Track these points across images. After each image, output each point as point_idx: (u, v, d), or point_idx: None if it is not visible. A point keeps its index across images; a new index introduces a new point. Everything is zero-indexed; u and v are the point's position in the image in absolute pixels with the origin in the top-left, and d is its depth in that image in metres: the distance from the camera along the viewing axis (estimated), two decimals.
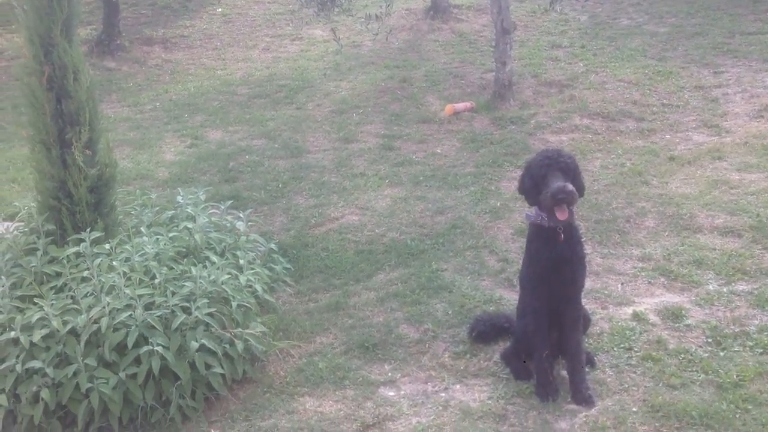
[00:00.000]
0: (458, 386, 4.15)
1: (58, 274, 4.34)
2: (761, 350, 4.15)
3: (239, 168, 7.57)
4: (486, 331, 4.47)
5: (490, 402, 3.96)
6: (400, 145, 7.96)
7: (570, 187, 3.73)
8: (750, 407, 3.72)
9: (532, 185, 3.89)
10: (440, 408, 3.97)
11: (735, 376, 3.93)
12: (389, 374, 4.33)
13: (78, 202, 4.52)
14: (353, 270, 5.56)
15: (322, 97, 9.80)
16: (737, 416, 3.67)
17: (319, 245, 5.93)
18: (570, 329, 3.95)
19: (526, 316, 4.04)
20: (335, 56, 11.51)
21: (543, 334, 3.96)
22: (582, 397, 3.86)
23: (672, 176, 6.66)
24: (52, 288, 4.25)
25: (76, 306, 4.04)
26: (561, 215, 3.75)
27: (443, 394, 4.09)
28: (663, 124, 7.93)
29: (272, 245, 5.35)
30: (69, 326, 3.92)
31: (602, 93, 8.74)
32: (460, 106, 8.71)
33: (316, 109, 9.38)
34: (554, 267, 3.89)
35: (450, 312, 4.86)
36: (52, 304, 4.01)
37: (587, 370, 4.01)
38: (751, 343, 4.23)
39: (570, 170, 3.84)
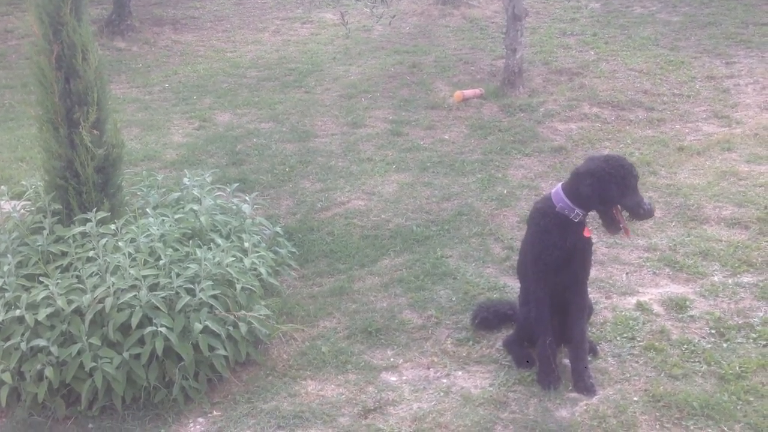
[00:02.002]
0: (460, 373, 4.16)
1: (64, 254, 4.36)
2: (764, 342, 4.15)
3: (246, 151, 7.56)
4: (489, 318, 4.48)
5: (491, 389, 3.97)
6: (408, 131, 7.94)
7: None
8: (751, 399, 3.72)
9: (603, 191, 3.79)
10: (441, 394, 3.98)
11: (737, 368, 3.93)
12: (391, 359, 4.34)
13: (85, 182, 4.52)
14: (358, 255, 5.56)
15: (331, 81, 9.78)
16: (738, 407, 3.67)
17: (324, 230, 5.94)
18: (575, 318, 3.95)
19: (529, 303, 4.05)
20: (345, 40, 11.47)
21: (545, 321, 3.96)
22: (584, 386, 3.86)
23: (680, 167, 6.63)
24: (57, 267, 4.27)
25: (81, 285, 4.06)
26: (627, 232, 3.88)
27: (445, 380, 4.10)
28: (673, 114, 7.88)
29: (278, 229, 5.36)
30: (74, 305, 3.94)
31: (613, 82, 8.68)
32: (469, 92, 8.67)
33: (325, 93, 9.36)
34: (568, 256, 3.90)
35: (454, 299, 4.87)
36: (58, 283, 4.03)
37: (589, 358, 4.01)
38: (754, 335, 4.23)
39: None
